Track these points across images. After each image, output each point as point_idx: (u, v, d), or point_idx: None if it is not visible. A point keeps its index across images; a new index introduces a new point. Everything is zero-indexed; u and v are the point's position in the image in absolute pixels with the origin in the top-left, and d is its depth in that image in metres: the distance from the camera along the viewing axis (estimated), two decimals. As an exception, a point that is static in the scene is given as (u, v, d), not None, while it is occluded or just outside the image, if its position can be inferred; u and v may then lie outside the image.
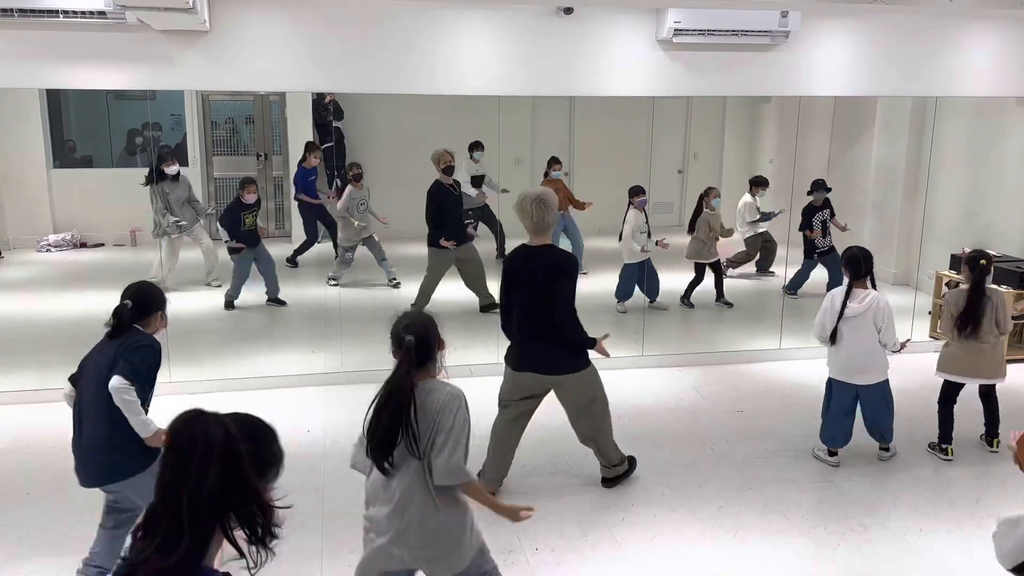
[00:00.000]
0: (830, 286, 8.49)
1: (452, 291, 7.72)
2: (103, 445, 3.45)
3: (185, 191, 7.69)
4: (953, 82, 6.92)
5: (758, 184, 8.67)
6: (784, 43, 6.46)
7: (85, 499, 4.16)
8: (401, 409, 2.84)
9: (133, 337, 3.53)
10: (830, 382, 5.13)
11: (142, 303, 3.58)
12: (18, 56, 5.56)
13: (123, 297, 3.59)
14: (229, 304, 7.66)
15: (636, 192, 7.76)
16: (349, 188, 7.87)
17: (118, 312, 3.53)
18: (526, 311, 4.39)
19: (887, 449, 5.22)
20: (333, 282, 8.01)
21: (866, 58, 6.71)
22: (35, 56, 5.58)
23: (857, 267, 4.95)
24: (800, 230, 8.28)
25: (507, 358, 4.58)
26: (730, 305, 8.33)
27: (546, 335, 4.38)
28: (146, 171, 7.70)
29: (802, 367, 6.72)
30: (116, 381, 3.37)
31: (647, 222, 7.84)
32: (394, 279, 8.18)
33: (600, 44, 6.28)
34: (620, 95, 6.48)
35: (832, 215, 8.26)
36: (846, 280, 5.06)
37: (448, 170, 7.48)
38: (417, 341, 2.87)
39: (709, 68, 6.47)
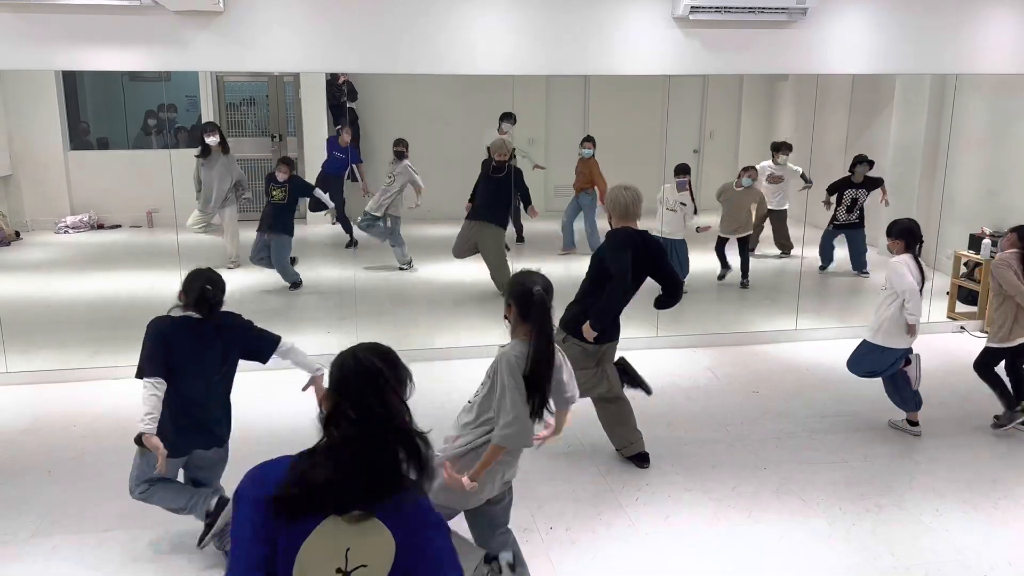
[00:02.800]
0: (854, 261, 8.49)
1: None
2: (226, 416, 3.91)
3: (221, 170, 7.65)
4: (973, 59, 6.82)
5: (778, 150, 8.64)
6: (802, 20, 6.38)
7: (105, 477, 4.22)
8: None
9: (232, 317, 3.87)
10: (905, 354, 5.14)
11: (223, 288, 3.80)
12: (34, 38, 5.57)
13: (203, 282, 3.70)
14: (295, 284, 7.86)
15: (677, 171, 7.77)
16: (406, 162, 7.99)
17: (208, 296, 3.68)
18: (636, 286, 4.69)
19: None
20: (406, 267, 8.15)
21: (884, 35, 6.61)
22: (51, 38, 5.60)
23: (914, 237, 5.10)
24: (827, 191, 8.30)
25: (603, 333, 4.65)
26: (745, 286, 8.32)
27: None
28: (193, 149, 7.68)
29: (818, 348, 6.70)
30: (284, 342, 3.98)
31: (685, 202, 7.78)
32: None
33: (615, 22, 6.22)
34: (635, 74, 6.42)
35: (870, 192, 8.22)
36: (898, 255, 5.07)
37: (497, 167, 7.55)
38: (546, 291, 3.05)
39: (726, 46, 6.40)
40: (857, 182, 8.20)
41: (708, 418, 5.53)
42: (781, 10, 6.21)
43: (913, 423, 5.28)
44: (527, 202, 7.76)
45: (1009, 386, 5.31)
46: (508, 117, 8.04)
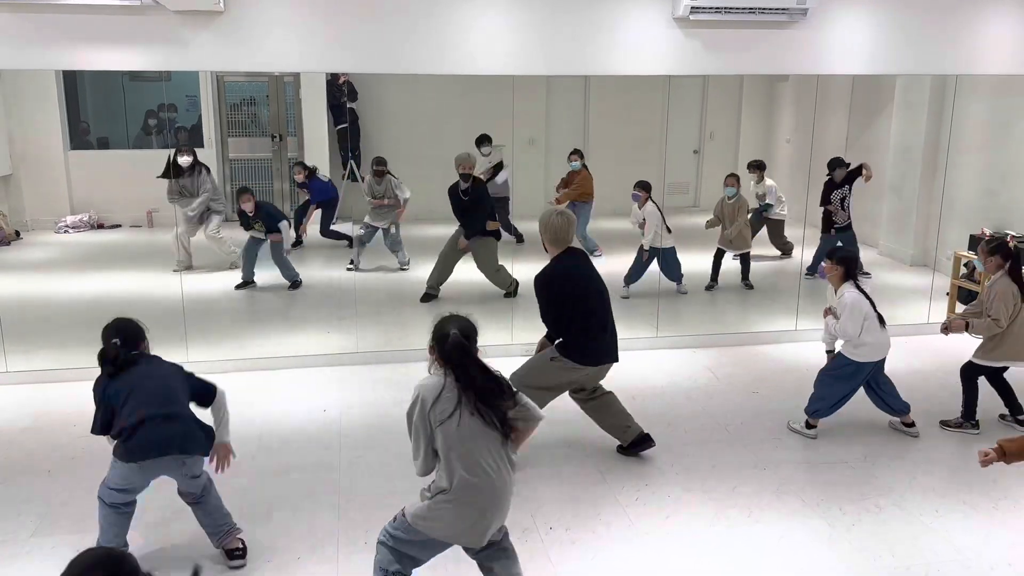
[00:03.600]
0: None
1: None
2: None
3: (199, 184, 7.70)
4: (973, 60, 6.82)
5: (752, 168, 8.70)
6: (802, 20, 6.38)
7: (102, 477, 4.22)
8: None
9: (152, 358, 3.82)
10: (862, 367, 5.12)
11: (132, 336, 3.78)
12: (34, 38, 5.57)
13: (111, 336, 3.72)
14: (295, 284, 7.89)
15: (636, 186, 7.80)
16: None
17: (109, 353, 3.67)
18: (605, 308, 4.70)
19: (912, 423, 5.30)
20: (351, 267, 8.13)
21: (885, 36, 6.62)
22: (51, 38, 5.60)
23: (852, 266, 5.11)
24: (820, 206, 8.26)
25: (589, 355, 4.67)
26: (750, 287, 8.34)
27: (609, 323, 4.76)
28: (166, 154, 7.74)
29: (818, 348, 6.68)
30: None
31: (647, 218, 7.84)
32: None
33: (615, 22, 6.22)
34: (635, 74, 6.42)
35: (853, 183, 8.24)
36: (847, 286, 5.06)
37: (464, 177, 7.57)
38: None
39: (726, 46, 6.40)
40: (838, 181, 8.20)
41: (708, 418, 5.53)
42: (781, 11, 6.21)
43: (908, 424, 5.29)
44: (492, 216, 7.79)
45: (999, 396, 5.36)
46: (485, 140, 8.17)
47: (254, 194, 7.71)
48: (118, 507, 3.71)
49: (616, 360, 4.79)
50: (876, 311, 5.01)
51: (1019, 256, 5.28)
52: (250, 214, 7.69)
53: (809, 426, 5.26)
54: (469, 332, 3.16)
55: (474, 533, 3.11)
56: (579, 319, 4.60)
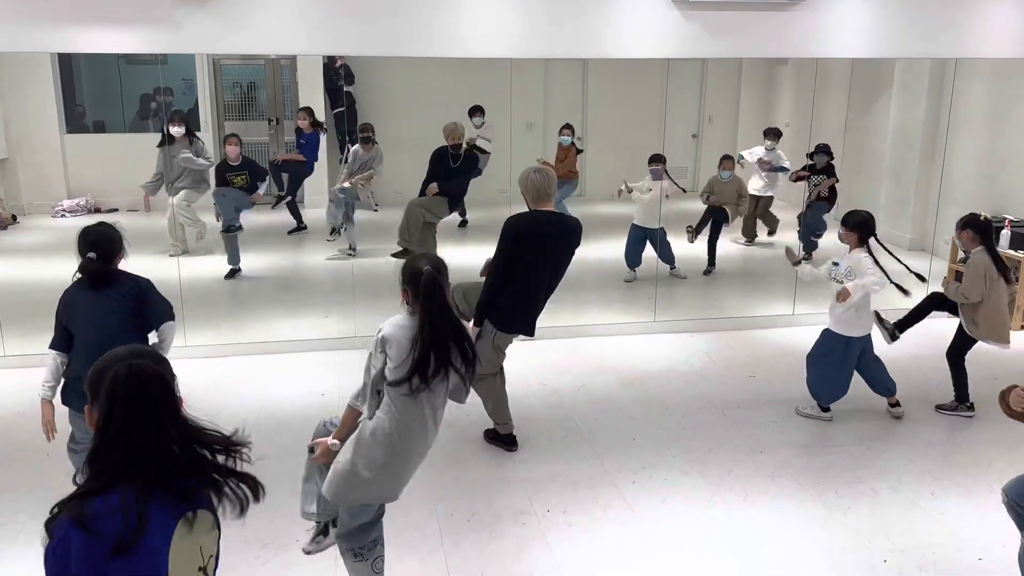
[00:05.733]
0: (805, 232, 8.40)
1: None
2: None
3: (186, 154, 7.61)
4: (972, 43, 6.78)
5: (768, 136, 8.66)
6: (801, 3, 6.35)
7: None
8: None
9: (129, 278, 3.74)
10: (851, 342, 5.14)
11: (107, 251, 3.74)
12: (29, 20, 5.53)
13: (88, 248, 3.71)
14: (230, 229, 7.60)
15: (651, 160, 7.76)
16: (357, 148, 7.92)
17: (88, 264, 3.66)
18: (547, 280, 4.54)
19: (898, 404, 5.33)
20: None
21: (884, 19, 6.58)
22: (46, 20, 5.55)
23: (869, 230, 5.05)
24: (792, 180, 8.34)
25: (505, 320, 4.54)
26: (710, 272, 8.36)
27: (542, 298, 4.59)
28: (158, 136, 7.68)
29: (815, 333, 6.69)
30: (169, 325, 3.73)
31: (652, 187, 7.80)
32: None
33: (614, 4, 6.18)
34: (634, 57, 6.39)
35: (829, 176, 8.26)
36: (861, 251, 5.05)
37: (454, 147, 7.57)
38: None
39: (725, 29, 6.37)
40: (820, 168, 8.21)
41: (705, 402, 5.55)
42: (780, -7, 6.17)
43: (893, 404, 5.34)
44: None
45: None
46: (477, 111, 8.09)
47: (242, 143, 7.54)
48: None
49: (530, 335, 4.65)
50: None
51: (990, 230, 5.28)
52: (233, 162, 7.48)
53: (824, 409, 5.28)
54: (440, 267, 3.09)
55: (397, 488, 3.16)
56: (518, 279, 4.45)
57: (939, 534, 4.04)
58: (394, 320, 3.08)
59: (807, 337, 6.68)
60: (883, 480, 4.54)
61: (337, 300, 7.11)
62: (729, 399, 5.59)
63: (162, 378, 1.84)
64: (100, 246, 3.72)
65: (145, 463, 1.76)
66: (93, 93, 9.68)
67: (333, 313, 6.93)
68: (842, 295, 4.94)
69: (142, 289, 3.77)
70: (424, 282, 2.98)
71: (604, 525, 4.09)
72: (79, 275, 3.72)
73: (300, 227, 8.39)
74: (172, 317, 3.80)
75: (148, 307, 3.75)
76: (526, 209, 4.56)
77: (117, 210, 8.46)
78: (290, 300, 7.55)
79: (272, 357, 6.22)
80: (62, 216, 8.30)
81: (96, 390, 1.81)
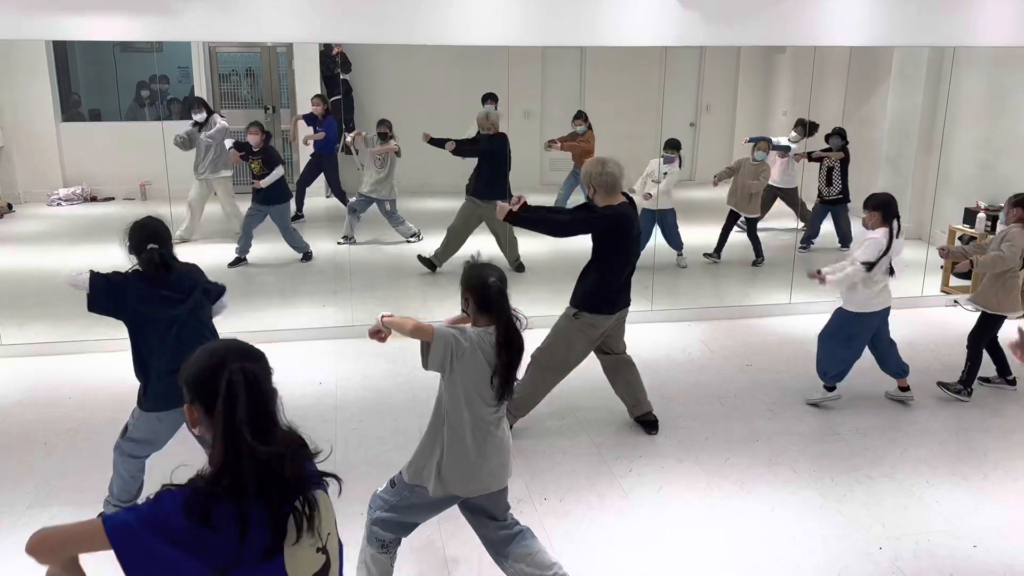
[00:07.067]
0: (841, 240, 8.46)
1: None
2: None
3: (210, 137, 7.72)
4: (971, 32, 6.76)
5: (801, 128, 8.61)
6: (799, -9, 6.33)
7: (100, 448, 4.24)
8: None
9: (181, 266, 3.78)
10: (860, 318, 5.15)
11: (168, 241, 3.77)
12: (24, 7, 5.49)
13: (148, 239, 3.67)
14: (307, 256, 7.88)
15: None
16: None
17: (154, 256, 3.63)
18: (634, 257, 4.83)
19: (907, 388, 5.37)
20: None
21: (883, 7, 6.56)
22: (40, 7, 5.52)
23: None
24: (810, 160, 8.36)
25: (607, 303, 4.67)
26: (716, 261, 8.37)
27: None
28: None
29: (812, 321, 6.70)
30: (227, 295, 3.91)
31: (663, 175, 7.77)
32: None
33: (611, -7, 6.16)
34: (632, 45, 6.37)
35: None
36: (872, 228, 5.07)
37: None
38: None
39: (723, 17, 6.34)
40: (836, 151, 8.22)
41: (702, 391, 5.56)
42: (779, -19, 6.15)
43: (904, 388, 5.35)
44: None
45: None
46: (491, 97, 8.00)
47: (264, 131, 7.62)
48: (138, 457, 3.73)
49: (628, 304, 4.83)
50: (891, 265, 5.04)
51: None
52: (255, 148, 7.55)
53: (829, 388, 5.30)
54: (504, 279, 3.08)
55: (477, 480, 3.10)
56: (618, 267, 4.60)
57: (934, 522, 4.06)
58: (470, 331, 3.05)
59: (805, 326, 6.71)
60: (878, 468, 4.56)
61: (334, 290, 7.11)
62: (726, 388, 5.60)
63: (270, 376, 1.89)
64: (160, 236, 3.70)
65: (270, 472, 1.76)
66: (89, 81, 9.65)
67: (330, 303, 6.92)
68: (819, 278, 5.04)
69: (197, 272, 3.82)
70: (495, 295, 2.99)
71: (601, 513, 4.10)
72: (138, 267, 3.64)
73: (298, 216, 8.38)
74: (224, 287, 3.90)
75: (208, 287, 3.82)
76: (587, 198, 4.64)
77: (113, 199, 8.44)
78: (288, 289, 7.55)
79: (270, 346, 6.19)
80: (58, 205, 8.28)
81: (203, 389, 1.78)
